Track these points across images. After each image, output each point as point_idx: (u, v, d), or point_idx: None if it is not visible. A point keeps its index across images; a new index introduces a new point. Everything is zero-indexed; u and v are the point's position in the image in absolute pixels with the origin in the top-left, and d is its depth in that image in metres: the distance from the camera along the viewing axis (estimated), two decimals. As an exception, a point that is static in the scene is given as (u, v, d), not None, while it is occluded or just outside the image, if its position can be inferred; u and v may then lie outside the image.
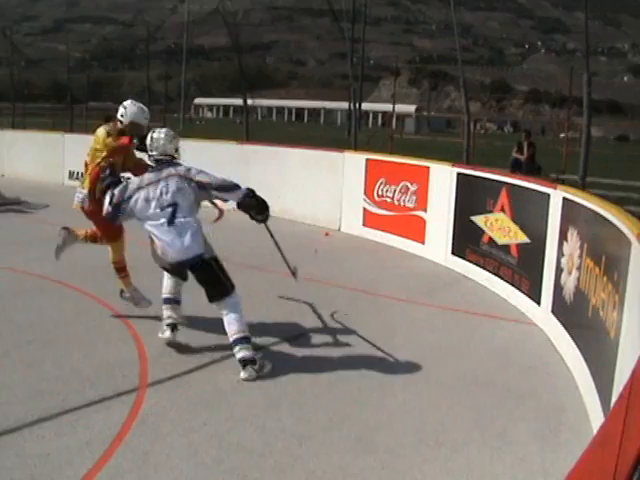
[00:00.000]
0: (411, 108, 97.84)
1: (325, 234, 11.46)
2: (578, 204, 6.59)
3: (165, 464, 4.46)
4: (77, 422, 4.95)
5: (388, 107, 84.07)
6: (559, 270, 6.97)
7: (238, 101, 78.41)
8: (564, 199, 7.13)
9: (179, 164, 6.45)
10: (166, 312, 6.60)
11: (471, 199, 9.75)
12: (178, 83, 72.20)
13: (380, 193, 11.88)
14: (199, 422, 5.00)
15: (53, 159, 18.99)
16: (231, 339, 5.96)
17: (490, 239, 9.09)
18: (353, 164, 12.75)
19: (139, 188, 6.24)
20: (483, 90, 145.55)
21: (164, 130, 6.60)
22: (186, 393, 5.50)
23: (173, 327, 6.49)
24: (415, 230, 11.06)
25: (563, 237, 6.93)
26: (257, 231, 12.83)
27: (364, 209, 12.26)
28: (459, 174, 10.13)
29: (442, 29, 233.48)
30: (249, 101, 27.90)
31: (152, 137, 6.47)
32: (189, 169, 6.32)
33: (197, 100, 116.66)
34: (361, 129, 26.37)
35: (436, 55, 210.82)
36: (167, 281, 6.70)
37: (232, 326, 5.98)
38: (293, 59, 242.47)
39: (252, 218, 6.54)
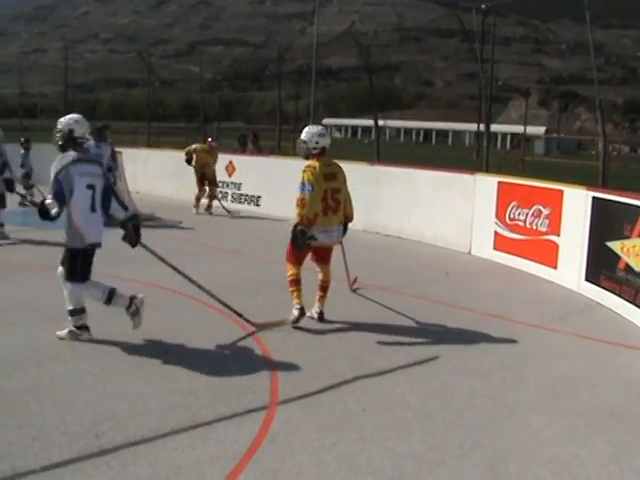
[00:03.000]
0: (541, 130, 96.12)
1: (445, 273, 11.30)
2: None
3: (295, 483, 4.47)
4: (208, 436, 5.02)
5: (517, 128, 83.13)
6: (702, 300, 6.68)
7: (366, 121, 78.68)
8: None
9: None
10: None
11: (607, 224, 9.45)
12: (306, 103, 73.12)
13: (512, 216, 11.66)
14: (329, 442, 4.98)
15: (186, 177, 19.47)
16: None
17: (626, 265, 8.77)
18: (484, 186, 12.58)
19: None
20: (615, 111, 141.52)
21: None
22: (316, 412, 5.50)
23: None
24: (547, 255, 10.80)
25: None
26: (384, 251, 12.88)
27: (495, 232, 12.07)
28: (594, 198, 9.84)
29: (572, 48, 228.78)
30: (379, 122, 27.92)
31: None
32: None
33: (326, 120, 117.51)
34: (490, 150, 25.98)
35: (566, 75, 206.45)
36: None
37: None
38: (421, 80, 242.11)
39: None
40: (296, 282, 7.90)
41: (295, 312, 7.71)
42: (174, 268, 7.66)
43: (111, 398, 5.60)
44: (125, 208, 7.29)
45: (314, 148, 7.91)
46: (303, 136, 7.99)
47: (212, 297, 7.72)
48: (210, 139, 18.74)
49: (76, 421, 5.14)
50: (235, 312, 7.65)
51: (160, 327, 7.59)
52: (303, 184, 7.65)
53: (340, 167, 8.13)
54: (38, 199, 14.39)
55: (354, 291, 9.31)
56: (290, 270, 7.95)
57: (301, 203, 7.63)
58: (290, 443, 4.95)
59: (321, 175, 7.74)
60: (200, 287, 7.67)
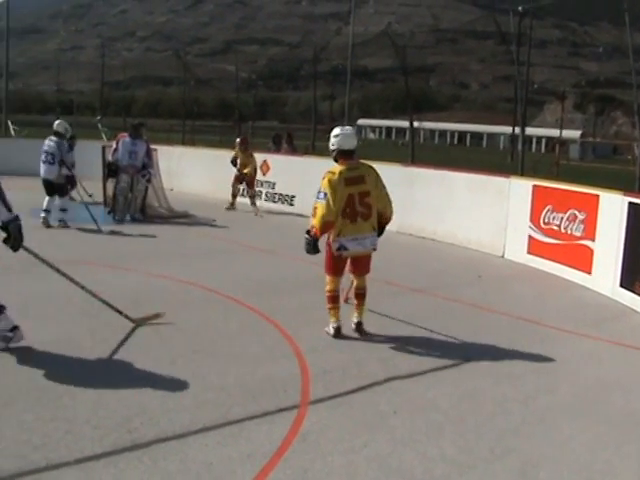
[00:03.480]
0: (576, 133, 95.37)
1: (478, 276, 11.23)
2: None
3: (324, 483, 4.47)
4: (239, 434, 5.04)
5: (552, 132, 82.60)
6: None
7: (401, 123, 78.46)
8: None
9: None
10: None
11: (643, 230, 9.36)
12: (341, 103, 73.24)
13: (546, 220, 11.57)
14: (359, 443, 4.98)
15: (219, 175, 19.55)
16: None
17: (663, 272, 8.69)
18: (519, 190, 12.49)
19: None
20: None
21: None
22: (347, 413, 5.49)
23: None
24: (582, 260, 10.71)
25: None
26: (417, 253, 12.85)
27: (529, 236, 11.98)
28: (631, 203, 9.74)
29: (610, 51, 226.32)
30: (414, 123, 27.86)
31: None
32: None
33: (360, 121, 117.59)
34: (524, 154, 25.83)
35: (603, 78, 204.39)
36: None
37: None
38: (456, 82, 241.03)
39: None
40: (334, 299, 7.53)
41: (331, 330, 7.40)
42: (58, 270, 7.27)
43: (143, 394, 5.64)
44: (9, 209, 6.60)
45: (332, 150, 7.58)
46: None
47: (95, 297, 7.35)
48: (238, 139, 19.00)
49: (108, 416, 5.18)
50: (115, 309, 7.36)
51: (194, 325, 7.64)
52: (319, 191, 7.36)
53: (370, 168, 7.63)
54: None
55: (346, 301, 8.39)
56: (329, 284, 7.58)
57: (314, 211, 7.37)
58: (321, 443, 4.95)
59: (341, 180, 7.29)
60: (83, 288, 7.31)
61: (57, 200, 13.90)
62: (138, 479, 4.37)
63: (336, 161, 7.57)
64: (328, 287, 7.57)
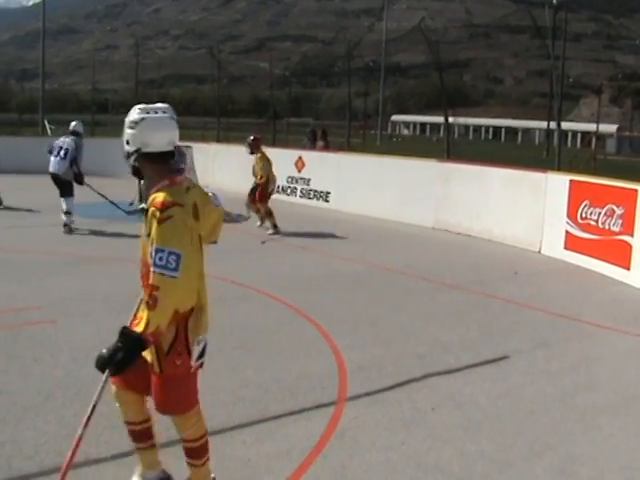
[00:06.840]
0: (612, 128, 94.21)
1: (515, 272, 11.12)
2: None
3: (363, 480, 4.46)
4: (277, 430, 5.05)
5: (588, 126, 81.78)
6: None
7: (435, 119, 78.09)
8: None
9: None
10: None
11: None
12: (375, 100, 73.23)
13: (584, 215, 11.45)
14: (397, 440, 4.96)
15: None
16: None
17: (703, 267, 8.57)
18: (556, 185, 12.37)
19: None
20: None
21: None
22: (384, 410, 5.48)
23: None
24: (620, 255, 10.58)
25: None
26: (453, 249, 12.78)
27: (566, 231, 11.85)
28: (670, 198, 9.62)
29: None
30: (449, 119, 27.78)
31: None
32: None
33: (394, 117, 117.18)
34: (561, 148, 25.64)
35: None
36: None
37: None
38: (490, 77, 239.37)
39: None
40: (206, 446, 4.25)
41: None
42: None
43: (181, 390, 5.65)
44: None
45: (130, 153, 3.83)
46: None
47: None
48: (250, 138, 15.41)
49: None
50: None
51: (231, 321, 7.64)
52: (158, 250, 3.67)
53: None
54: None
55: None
56: (201, 429, 4.34)
57: (151, 295, 3.81)
58: (358, 440, 4.94)
59: (191, 216, 3.86)
60: None
61: (62, 202, 13.34)
62: (176, 475, 4.38)
63: (136, 175, 3.95)
64: (201, 432, 4.31)
